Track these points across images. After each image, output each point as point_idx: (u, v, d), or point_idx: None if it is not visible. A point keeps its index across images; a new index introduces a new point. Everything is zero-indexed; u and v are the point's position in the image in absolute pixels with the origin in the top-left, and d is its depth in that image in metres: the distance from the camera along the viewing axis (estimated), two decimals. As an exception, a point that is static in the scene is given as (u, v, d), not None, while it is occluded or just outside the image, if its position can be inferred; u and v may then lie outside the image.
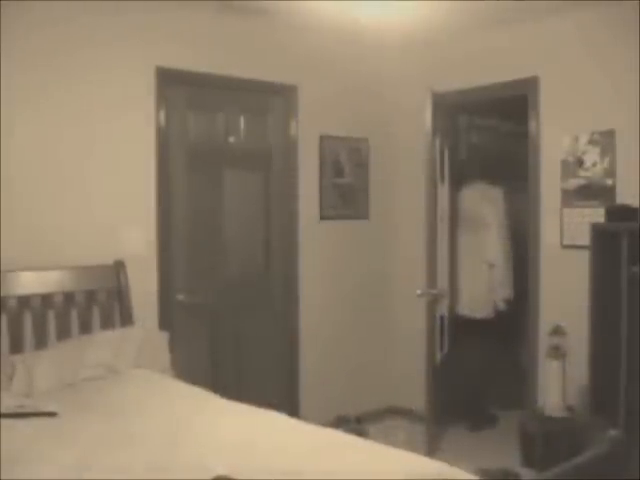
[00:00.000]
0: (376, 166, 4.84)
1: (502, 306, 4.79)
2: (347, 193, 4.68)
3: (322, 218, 4.54)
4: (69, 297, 3.32)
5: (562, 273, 3.97)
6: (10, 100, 3.19)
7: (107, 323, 3.43)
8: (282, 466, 2.00)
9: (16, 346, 3.11)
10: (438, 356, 4.18)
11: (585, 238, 3.57)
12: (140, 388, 2.90)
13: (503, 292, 4.79)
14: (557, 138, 4.00)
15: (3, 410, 2.47)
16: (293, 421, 2.54)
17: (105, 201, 3.55)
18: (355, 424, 4.12)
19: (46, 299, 3.24)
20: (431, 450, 4.00)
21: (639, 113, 3.56)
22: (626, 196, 3.62)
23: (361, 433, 3.54)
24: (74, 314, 3.33)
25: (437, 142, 4.12)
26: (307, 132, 4.41)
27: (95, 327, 3.40)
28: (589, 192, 3.86)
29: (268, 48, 4.19)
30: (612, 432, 1.95)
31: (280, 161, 4.34)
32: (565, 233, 3.98)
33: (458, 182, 4.70)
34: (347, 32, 4.12)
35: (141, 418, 2.49)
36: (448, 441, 4.29)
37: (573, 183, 3.94)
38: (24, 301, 3.17)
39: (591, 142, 3.85)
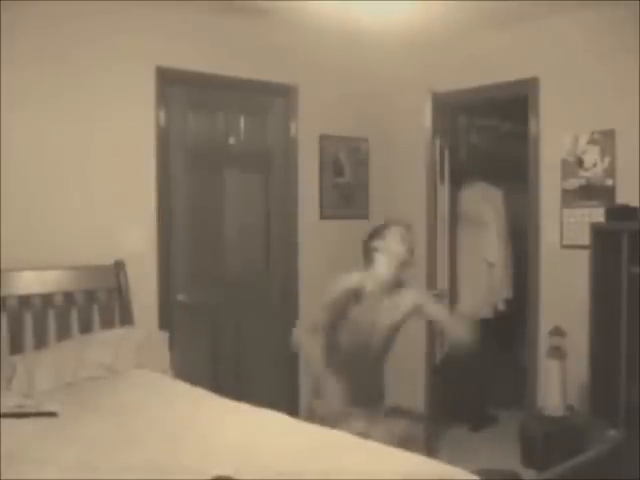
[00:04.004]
0: (376, 166, 4.83)
1: (502, 306, 4.79)
2: (347, 193, 4.68)
3: (322, 218, 4.54)
4: (69, 297, 3.32)
5: (562, 273, 3.97)
6: (10, 101, 3.19)
7: (107, 323, 3.43)
8: (282, 466, 1.99)
9: (16, 346, 3.11)
10: (438, 356, 4.18)
11: (585, 238, 3.57)
12: (140, 388, 2.89)
13: (503, 292, 4.79)
14: (557, 138, 4.00)
15: (3, 410, 2.48)
16: (293, 421, 2.54)
17: (105, 201, 3.55)
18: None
19: (46, 299, 3.24)
20: (431, 450, 3.99)
21: (639, 113, 3.57)
22: (626, 196, 3.62)
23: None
24: (74, 314, 3.34)
25: (437, 142, 4.12)
26: (307, 132, 4.41)
27: (95, 327, 3.40)
28: (589, 192, 3.86)
29: (268, 48, 4.19)
30: (612, 432, 1.96)
31: (280, 161, 4.34)
32: (565, 233, 3.98)
33: (458, 182, 4.70)
34: (347, 32, 4.12)
35: (141, 418, 2.49)
36: (448, 441, 4.29)
37: (573, 183, 3.94)
38: (24, 301, 3.17)
39: (591, 142, 3.85)
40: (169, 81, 3.79)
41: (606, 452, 1.92)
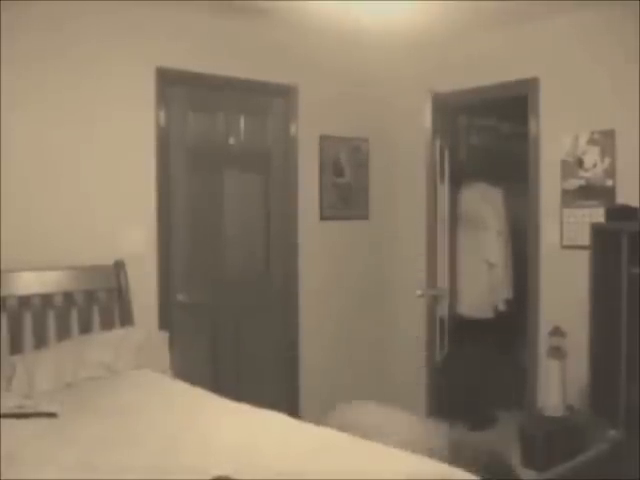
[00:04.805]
0: (376, 166, 4.84)
1: (502, 306, 4.79)
2: (347, 193, 4.68)
3: (322, 218, 4.54)
4: (69, 297, 3.32)
5: (562, 273, 3.97)
6: (10, 101, 3.19)
7: (107, 323, 3.43)
8: (282, 466, 2.00)
9: (16, 346, 3.11)
10: (438, 356, 4.18)
11: (585, 238, 3.57)
12: (140, 388, 2.90)
13: (503, 292, 4.79)
14: (557, 138, 4.00)
15: (3, 410, 2.48)
16: (293, 421, 2.54)
17: (105, 201, 3.55)
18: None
19: (46, 299, 3.24)
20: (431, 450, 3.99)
21: (639, 113, 3.56)
22: (626, 196, 3.62)
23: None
24: (74, 314, 3.33)
25: (437, 142, 4.12)
26: (307, 132, 4.41)
27: (95, 327, 3.40)
28: (589, 192, 3.86)
29: (268, 48, 4.19)
30: (612, 432, 1.96)
31: (280, 161, 4.34)
32: (565, 233, 3.98)
33: (458, 182, 4.70)
34: (347, 32, 4.12)
35: (141, 418, 2.49)
36: (448, 441, 4.28)
37: (573, 183, 3.94)
38: (24, 301, 3.17)
39: (591, 142, 3.85)
40: (169, 81, 3.79)
41: (606, 452, 1.92)
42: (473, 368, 4.72)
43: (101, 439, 2.25)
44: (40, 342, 3.19)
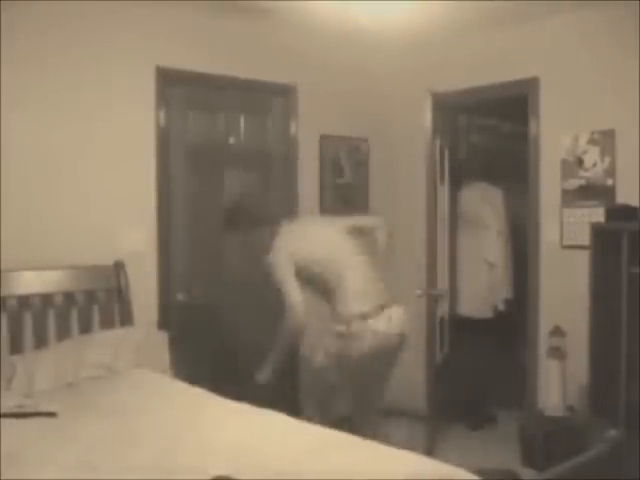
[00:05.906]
0: (376, 166, 4.83)
1: (502, 306, 4.79)
2: (347, 193, 4.68)
3: (322, 218, 4.54)
4: (69, 297, 3.32)
5: (562, 273, 3.97)
6: (10, 101, 3.19)
7: (107, 323, 3.43)
8: (282, 466, 1.99)
9: (16, 346, 3.11)
10: (438, 356, 4.18)
11: (585, 238, 3.57)
12: (140, 388, 2.89)
13: (503, 292, 4.79)
14: (557, 138, 4.00)
15: (3, 410, 2.48)
16: (293, 421, 2.54)
17: (105, 201, 3.55)
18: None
19: (46, 299, 3.24)
20: (431, 450, 3.99)
21: (639, 113, 3.57)
22: (626, 196, 3.62)
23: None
24: (74, 314, 3.34)
25: (437, 142, 4.12)
26: (307, 132, 4.41)
27: (95, 327, 3.40)
28: (589, 192, 3.86)
29: (268, 48, 4.19)
30: (612, 432, 1.95)
31: (280, 161, 4.34)
32: (565, 233, 3.98)
33: (458, 182, 4.70)
34: (347, 32, 4.12)
35: (141, 418, 2.49)
36: (448, 441, 4.29)
37: (573, 183, 3.94)
38: (24, 301, 3.17)
39: (591, 142, 3.85)
40: (169, 81, 3.79)
41: (606, 452, 1.92)
42: (473, 368, 4.72)
43: (101, 439, 2.25)
44: (40, 342, 3.19)
